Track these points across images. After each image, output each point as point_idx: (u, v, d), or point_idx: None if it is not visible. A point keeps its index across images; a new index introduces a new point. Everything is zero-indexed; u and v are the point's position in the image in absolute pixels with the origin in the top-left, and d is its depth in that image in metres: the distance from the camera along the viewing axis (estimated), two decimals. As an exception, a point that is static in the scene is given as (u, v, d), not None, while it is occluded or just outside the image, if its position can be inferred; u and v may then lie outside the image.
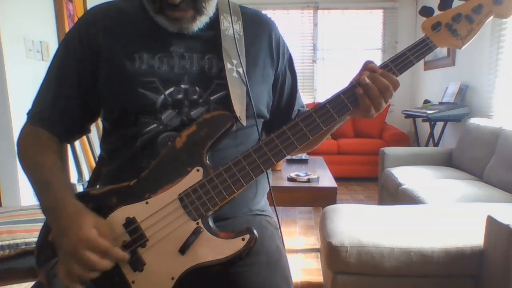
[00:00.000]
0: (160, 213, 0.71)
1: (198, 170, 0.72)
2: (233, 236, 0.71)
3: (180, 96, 0.78)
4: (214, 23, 0.82)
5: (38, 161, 0.78)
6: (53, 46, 2.69)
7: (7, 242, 1.24)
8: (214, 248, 0.70)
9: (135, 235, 0.71)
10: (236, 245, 0.70)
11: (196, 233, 0.70)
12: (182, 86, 0.78)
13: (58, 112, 0.81)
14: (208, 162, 0.74)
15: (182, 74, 0.79)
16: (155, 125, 0.78)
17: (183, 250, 0.70)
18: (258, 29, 0.89)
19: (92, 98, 0.81)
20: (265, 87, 0.88)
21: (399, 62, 0.78)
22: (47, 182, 0.75)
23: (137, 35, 0.79)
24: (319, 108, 0.75)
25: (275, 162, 0.73)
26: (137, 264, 0.71)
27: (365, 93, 0.74)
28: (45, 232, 0.79)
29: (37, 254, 0.79)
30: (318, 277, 2.10)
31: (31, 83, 2.43)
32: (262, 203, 0.95)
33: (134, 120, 0.78)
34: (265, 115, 0.89)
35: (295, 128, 0.74)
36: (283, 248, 0.87)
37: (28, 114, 0.84)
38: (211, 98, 0.79)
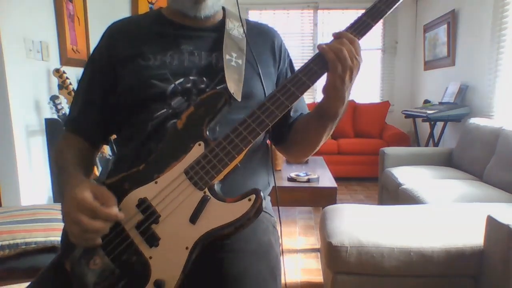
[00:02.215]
0: (168, 188, 0.76)
1: (199, 145, 0.77)
2: (239, 198, 0.74)
3: (189, 85, 0.86)
4: (221, 26, 0.92)
5: (63, 155, 0.88)
6: (53, 46, 2.69)
7: (7, 242, 1.24)
8: (223, 213, 0.73)
9: (147, 213, 0.75)
10: (243, 206, 0.73)
11: (203, 201, 0.74)
12: (191, 77, 0.86)
13: (86, 115, 0.91)
14: (208, 135, 0.78)
15: (191, 67, 0.87)
16: (164, 109, 0.84)
17: (193, 219, 0.73)
18: (261, 34, 0.98)
19: (113, 96, 0.89)
20: (269, 83, 0.93)
21: (373, 13, 0.80)
22: (63, 167, 0.84)
23: (150, 39, 0.89)
24: (302, 69, 0.79)
25: (269, 123, 0.76)
26: (152, 240, 0.74)
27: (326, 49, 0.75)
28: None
29: (62, 247, 0.85)
30: (318, 277, 2.10)
31: (31, 83, 2.43)
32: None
33: (146, 107, 0.85)
34: None
35: (284, 89, 0.78)
36: (276, 244, 0.90)
37: (64, 124, 0.96)
38: (218, 87, 0.86)
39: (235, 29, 0.93)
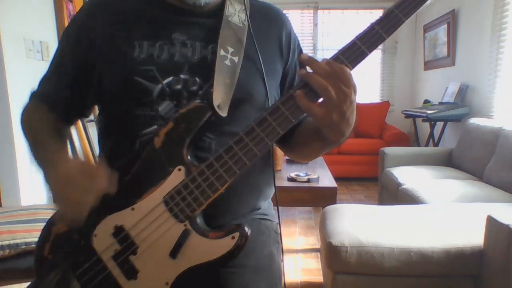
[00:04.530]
0: (147, 218, 0.70)
1: (180, 170, 0.70)
2: (222, 235, 0.69)
3: (178, 86, 0.75)
4: (220, 11, 0.79)
5: (37, 127, 0.80)
6: (53, 46, 2.69)
7: (7, 242, 1.24)
8: (205, 249, 0.69)
9: (125, 243, 0.70)
10: (226, 244, 0.69)
11: (184, 235, 0.69)
12: (182, 76, 0.75)
13: (60, 94, 0.82)
14: (189, 159, 0.71)
15: (182, 63, 0.75)
16: (155, 126, 0.74)
17: (173, 254, 0.69)
18: (266, 22, 0.84)
19: (91, 86, 0.80)
20: (272, 83, 0.83)
21: (387, 22, 0.66)
22: (41, 142, 0.77)
23: (138, 22, 0.77)
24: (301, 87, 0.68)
25: (258, 152, 0.68)
26: (130, 272, 0.70)
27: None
28: (39, 247, 0.78)
29: (35, 270, 0.78)
30: (318, 277, 2.10)
31: (31, 83, 2.43)
32: (265, 205, 0.91)
33: (131, 114, 0.75)
34: None
35: (277, 113, 0.68)
36: (277, 255, 0.85)
37: (31, 94, 0.86)
38: (212, 90, 0.74)
39: (235, 14, 0.79)
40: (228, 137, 0.71)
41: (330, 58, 0.65)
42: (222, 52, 0.75)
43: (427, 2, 0.68)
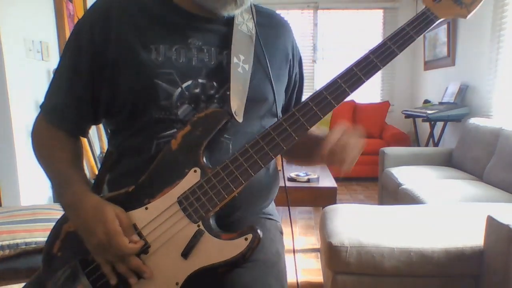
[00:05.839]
0: (160, 218, 0.70)
1: (195, 171, 0.71)
2: (235, 236, 0.70)
3: (197, 90, 0.76)
4: (232, 19, 0.81)
5: (56, 155, 0.80)
6: (53, 46, 2.69)
7: (7, 242, 1.24)
8: (217, 250, 0.70)
9: None
10: (239, 245, 0.69)
11: (197, 236, 0.69)
12: (200, 80, 0.76)
13: (71, 110, 0.79)
14: (205, 161, 0.72)
15: (200, 68, 0.76)
16: (175, 129, 0.75)
17: (185, 254, 0.69)
18: (273, 30, 0.88)
19: (105, 92, 0.78)
20: (280, 86, 0.86)
21: (398, 39, 0.74)
22: (65, 176, 0.77)
23: (153, 25, 0.76)
24: (315, 96, 0.73)
25: (273, 157, 0.70)
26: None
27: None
28: (49, 244, 0.78)
29: (44, 267, 0.78)
30: (318, 277, 2.10)
31: (31, 83, 2.43)
32: (270, 206, 0.94)
33: (149, 117, 0.75)
34: (279, 115, 0.87)
35: (292, 119, 0.71)
36: (283, 254, 0.86)
37: (41, 107, 0.83)
38: (228, 93, 0.76)
39: (244, 23, 0.81)
40: (243, 136, 0.77)
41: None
42: (235, 60, 0.77)
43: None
